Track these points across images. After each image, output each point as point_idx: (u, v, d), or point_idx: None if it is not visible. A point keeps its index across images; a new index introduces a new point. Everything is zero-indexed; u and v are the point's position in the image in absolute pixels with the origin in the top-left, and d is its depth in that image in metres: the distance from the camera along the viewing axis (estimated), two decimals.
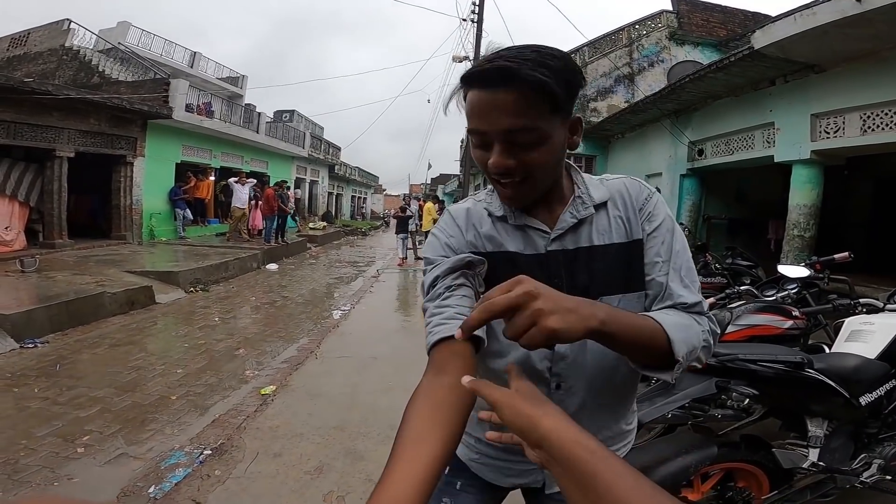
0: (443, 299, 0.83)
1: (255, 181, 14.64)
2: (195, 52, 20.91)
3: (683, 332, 0.76)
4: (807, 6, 4.63)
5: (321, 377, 4.35)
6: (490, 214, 0.93)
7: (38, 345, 4.86)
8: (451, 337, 0.75)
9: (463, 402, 0.69)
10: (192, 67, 20.24)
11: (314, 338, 5.59)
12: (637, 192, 0.91)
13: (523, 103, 0.74)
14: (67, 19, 14.63)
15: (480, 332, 0.76)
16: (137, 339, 5.48)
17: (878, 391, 1.95)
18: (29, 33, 14.93)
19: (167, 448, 3.01)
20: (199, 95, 14.39)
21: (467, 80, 0.79)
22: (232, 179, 13.87)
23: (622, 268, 0.87)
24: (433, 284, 0.86)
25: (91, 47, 14.85)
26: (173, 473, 2.66)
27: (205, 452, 2.90)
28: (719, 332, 0.87)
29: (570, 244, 0.88)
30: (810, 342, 2.81)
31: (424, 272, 0.91)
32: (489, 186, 0.95)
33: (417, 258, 13.26)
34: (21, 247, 9.22)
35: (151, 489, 2.50)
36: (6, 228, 9.10)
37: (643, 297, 0.88)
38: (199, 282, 8.40)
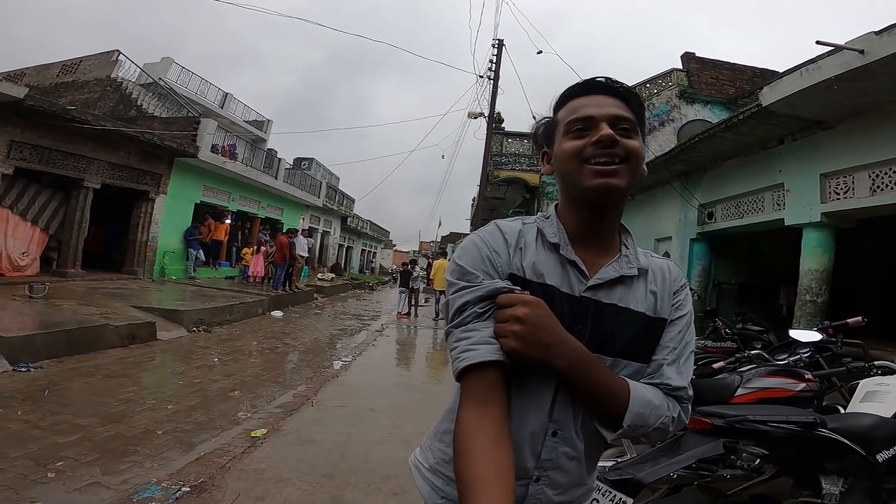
0: (469, 325, 0.82)
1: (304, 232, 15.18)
2: (227, 94, 22.12)
3: (645, 408, 0.82)
4: (812, 61, 4.70)
5: (315, 424, 4.20)
6: (541, 237, 0.91)
7: (32, 369, 4.79)
8: (484, 364, 0.78)
9: (508, 433, 0.77)
10: (222, 108, 21.25)
11: (312, 386, 5.45)
12: (676, 276, 0.95)
13: (625, 107, 0.88)
14: (117, 51, 14.98)
15: (504, 358, 0.80)
16: (132, 372, 5.38)
17: (895, 448, 1.96)
18: (80, 61, 15.27)
19: (144, 481, 2.87)
20: (224, 137, 14.76)
21: (573, 90, 0.91)
22: (300, 234, 14.58)
23: (641, 339, 0.89)
24: (461, 310, 0.84)
25: (134, 80, 15.22)
26: None
27: (183, 489, 2.76)
28: (686, 421, 0.91)
29: (603, 297, 0.87)
30: (825, 403, 2.79)
31: (452, 285, 0.87)
32: (539, 213, 0.97)
33: (417, 316, 13.24)
34: (34, 273, 9.32)
35: None
36: (23, 254, 9.24)
37: (643, 369, 0.89)
38: (202, 322, 8.36)
